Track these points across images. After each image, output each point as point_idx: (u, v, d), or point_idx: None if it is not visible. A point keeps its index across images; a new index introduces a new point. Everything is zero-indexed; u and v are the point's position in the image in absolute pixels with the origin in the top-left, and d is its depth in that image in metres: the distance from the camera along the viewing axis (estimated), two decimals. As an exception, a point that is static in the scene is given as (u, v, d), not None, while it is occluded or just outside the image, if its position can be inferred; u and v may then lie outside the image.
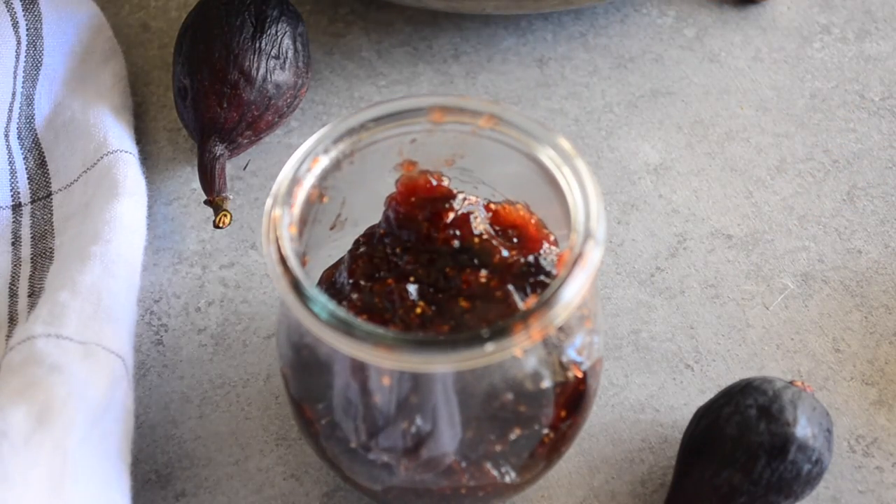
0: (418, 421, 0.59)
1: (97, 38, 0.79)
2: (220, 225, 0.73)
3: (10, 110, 0.76)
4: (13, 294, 0.71)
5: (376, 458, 0.60)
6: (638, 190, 0.77)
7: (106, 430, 0.62)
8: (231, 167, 0.78)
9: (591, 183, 0.60)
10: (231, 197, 0.75)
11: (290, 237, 0.59)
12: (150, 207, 0.75)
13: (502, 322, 0.57)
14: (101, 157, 0.73)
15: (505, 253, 0.61)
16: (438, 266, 0.61)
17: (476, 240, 0.61)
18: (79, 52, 0.78)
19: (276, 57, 0.76)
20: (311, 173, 0.61)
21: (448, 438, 0.60)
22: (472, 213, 0.62)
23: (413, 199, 0.62)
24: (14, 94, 0.76)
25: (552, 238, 0.63)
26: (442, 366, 0.57)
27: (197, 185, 0.77)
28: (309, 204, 0.61)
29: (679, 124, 0.79)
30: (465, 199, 0.63)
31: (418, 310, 0.60)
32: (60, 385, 0.61)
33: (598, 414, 0.69)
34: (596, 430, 0.68)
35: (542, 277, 0.61)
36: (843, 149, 0.78)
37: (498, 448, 0.60)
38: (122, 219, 0.70)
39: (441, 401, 0.58)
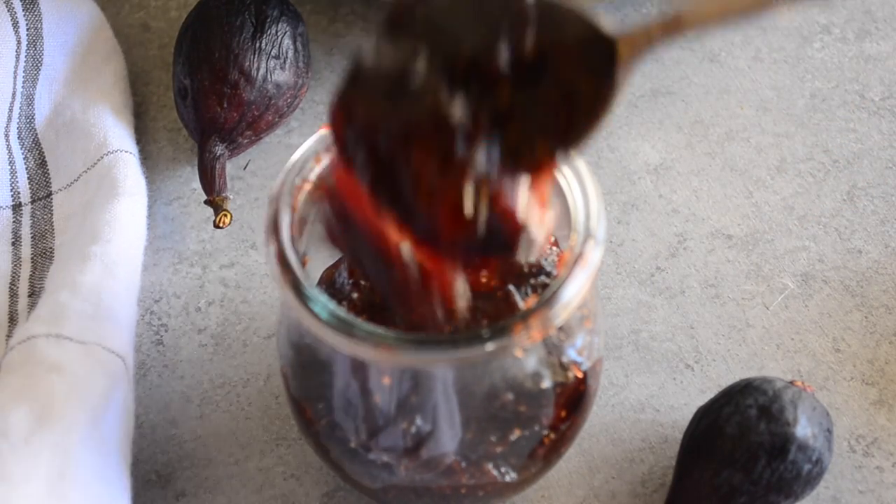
0: (418, 421, 0.59)
1: (97, 37, 0.79)
2: (220, 225, 0.73)
3: (11, 110, 0.76)
4: (13, 294, 0.71)
5: (376, 458, 0.60)
6: (638, 190, 0.77)
7: (106, 430, 0.62)
8: (231, 167, 0.78)
9: (591, 183, 0.60)
10: (231, 197, 0.75)
11: (290, 237, 0.59)
12: (150, 207, 0.75)
13: (502, 322, 0.57)
14: (102, 157, 0.73)
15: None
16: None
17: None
18: (79, 52, 0.78)
19: (277, 57, 0.76)
20: (311, 173, 0.61)
21: (448, 438, 0.60)
22: None
23: None
24: (14, 93, 0.76)
25: (552, 238, 0.63)
26: (442, 365, 0.57)
27: (197, 185, 0.77)
28: (309, 204, 0.61)
29: (679, 124, 0.79)
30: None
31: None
32: (60, 385, 0.61)
33: (598, 414, 0.69)
34: (596, 430, 0.68)
35: (542, 278, 0.61)
36: (843, 149, 0.78)
37: (498, 448, 0.60)
38: (123, 219, 0.70)
39: (441, 401, 0.58)
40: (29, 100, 0.77)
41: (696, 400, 0.69)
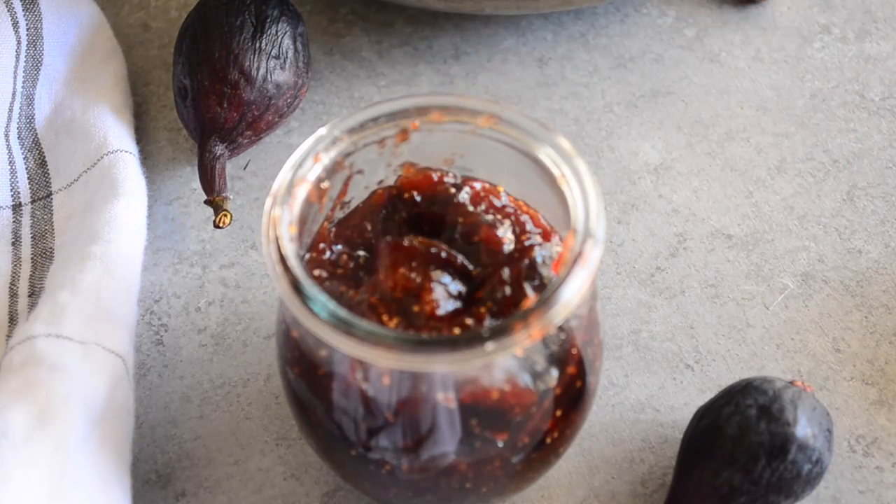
0: (418, 421, 0.59)
1: (97, 37, 0.79)
2: (220, 225, 0.73)
3: (11, 110, 0.76)
4: (13, 294, 0.71)
5: (376, 458, 0.60)
6: (638, 190, 0.77)
7: (106, 430, 0.62)
8: (231, 167, 0.78)
9: (590, 183, 0.60)
10: (231, 197, 0.75)
11: (290, 237, 0.59)
12: (150, 207, 0.75)
13: (502, 321, 0.57)
14: (102, 157, 0.73)
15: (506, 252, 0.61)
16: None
17: (476, 238, 0.61)
18: (79, 52, 0.78)
19: (277, 57, 0.76)
20: (311, 173, 0.61)
21: (448, 438, 0.60)
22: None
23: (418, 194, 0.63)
24: (14, 93, 0.76)
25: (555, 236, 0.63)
26: (442, 365, 0.57)
27: (197, 185, 0.77)
28: (309, 203, 0.61)
29: (679, 124, 0.79)
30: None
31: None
32: (60, 385, 0.61)
33: (598, 414, 0.69)
34: (596, 430, 0.68)
35: (542, 277, 0.61)
36: (843, 149, 0.78)
37: (497, 448, 0.60)
38: (123, 219, 0.70)
39: (441, 400, 0.58)
40: (29, 100, 0.77)
41: (696, 400, 0.69)
